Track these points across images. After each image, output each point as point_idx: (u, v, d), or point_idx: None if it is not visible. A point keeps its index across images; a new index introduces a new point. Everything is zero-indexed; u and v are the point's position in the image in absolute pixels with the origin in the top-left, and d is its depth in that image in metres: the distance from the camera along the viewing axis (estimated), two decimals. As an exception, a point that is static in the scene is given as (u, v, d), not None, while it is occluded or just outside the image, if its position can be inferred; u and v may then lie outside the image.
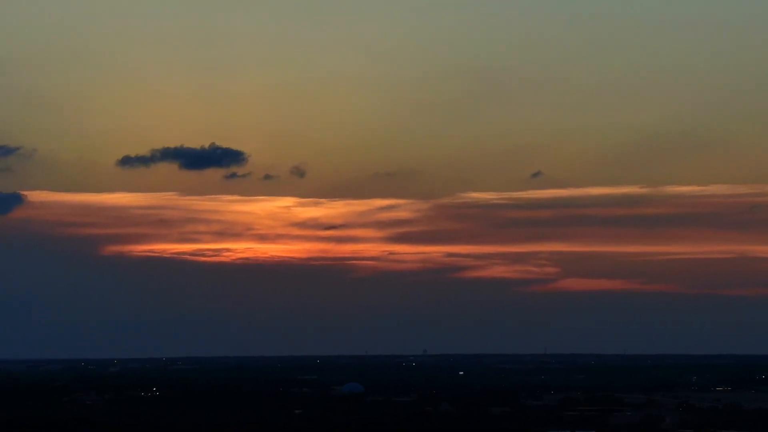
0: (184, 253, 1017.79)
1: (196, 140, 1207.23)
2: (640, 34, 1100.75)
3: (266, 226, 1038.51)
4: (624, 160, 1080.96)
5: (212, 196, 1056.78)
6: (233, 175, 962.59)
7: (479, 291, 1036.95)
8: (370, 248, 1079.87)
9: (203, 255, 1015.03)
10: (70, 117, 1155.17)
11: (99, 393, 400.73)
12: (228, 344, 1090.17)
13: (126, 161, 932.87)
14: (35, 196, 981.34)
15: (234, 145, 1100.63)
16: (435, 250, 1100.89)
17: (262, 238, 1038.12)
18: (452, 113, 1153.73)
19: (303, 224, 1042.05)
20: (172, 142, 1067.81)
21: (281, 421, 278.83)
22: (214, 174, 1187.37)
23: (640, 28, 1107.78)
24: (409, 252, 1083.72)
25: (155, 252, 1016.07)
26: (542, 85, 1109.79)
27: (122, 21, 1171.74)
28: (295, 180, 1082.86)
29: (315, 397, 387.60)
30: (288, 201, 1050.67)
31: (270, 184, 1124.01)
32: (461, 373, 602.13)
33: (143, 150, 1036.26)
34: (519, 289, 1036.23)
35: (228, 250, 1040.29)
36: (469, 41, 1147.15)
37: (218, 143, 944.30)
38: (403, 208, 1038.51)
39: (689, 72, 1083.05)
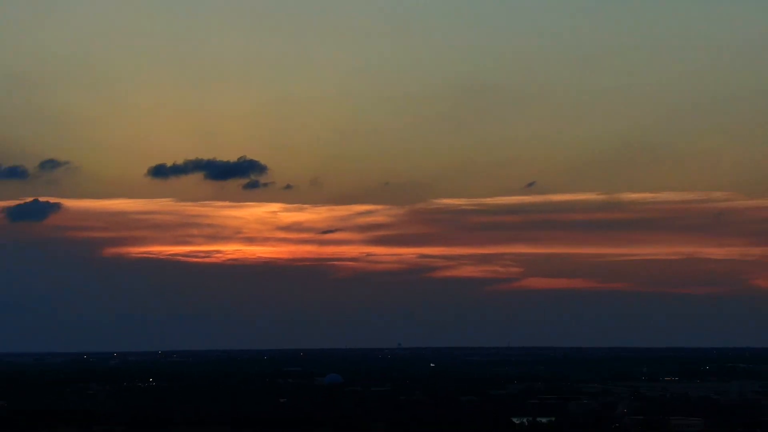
0: (178, 254, 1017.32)
1: (226, 154, 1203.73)
2: (595, 62, 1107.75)
3: (254, 230, 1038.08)
4: (583, 170, 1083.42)
5: (205, 202, 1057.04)
6: (253, 185, 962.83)
7: (450, 289, 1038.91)
8: (350, 250, 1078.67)
9: (196, 256, 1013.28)
10: (110, 132, 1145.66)
11: (100, 384, 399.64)
12: (219, 338, 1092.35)
13: (155, 172, 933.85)
14: (70, 203, 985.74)
15: (258, 158, 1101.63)
16: (409, 252, 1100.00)
17: (250, 240, 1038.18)
18: (438, 129, 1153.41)
19: (288, 227, 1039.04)
20: (204, 155, 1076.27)
21: (268, 409, 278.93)
22: (214, 183, 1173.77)
23: (594, 57, 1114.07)
24: (385, 254, 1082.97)
25: (152, 254, 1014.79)
26: (514, 104, 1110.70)
27: (155, 45, 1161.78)
28: (308, 189, 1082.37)
29: (298, 387, 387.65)
30: (274, 207, 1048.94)
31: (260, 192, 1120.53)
32: (432, 365, 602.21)
33: (172, 160, 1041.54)
34: (486, 288, 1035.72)
35: (218, 251, 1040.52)
36: (452, 65, 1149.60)
37: (243, 156, 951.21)
38: (379, 213, 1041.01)
39: (642, 91, 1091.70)
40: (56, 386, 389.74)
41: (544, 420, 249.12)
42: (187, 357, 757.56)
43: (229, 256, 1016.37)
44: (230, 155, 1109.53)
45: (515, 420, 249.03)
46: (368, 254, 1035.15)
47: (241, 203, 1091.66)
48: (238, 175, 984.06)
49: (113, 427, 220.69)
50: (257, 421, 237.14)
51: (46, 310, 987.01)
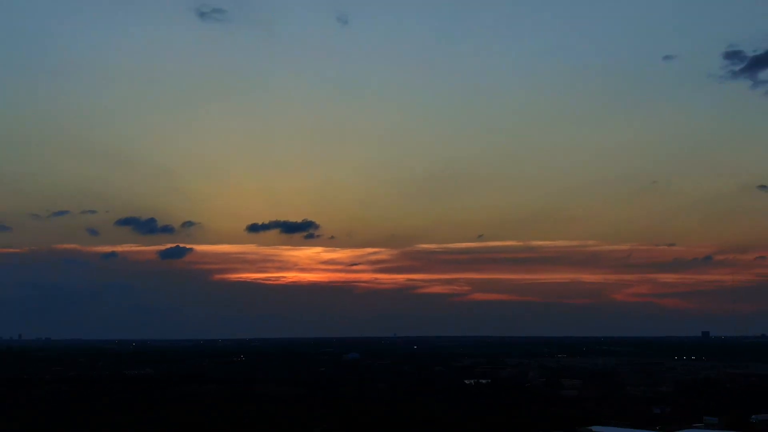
0: (259, 279, 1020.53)
1: (294, 216, 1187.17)
2: (516, 161, 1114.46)
3: (306, 264, 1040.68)
4: (510, 227, 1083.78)
5: (276, 247, 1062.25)
6: (310, 236, 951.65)
7: (426, 300, 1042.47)
8: (365, 276, 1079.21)
9: (269, 280, 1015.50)
10: (223, 204, 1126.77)
11: (210, 359, 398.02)
12: (283, 330, 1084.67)
13: (250, 228, 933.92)
14: (198, 247, 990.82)
15: (314, 219, 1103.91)
16: (401, 277, 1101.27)
17: (303, 270, 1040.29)
18: (420, 201, 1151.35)
19: (326, 262, 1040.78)
20: (280, 217, 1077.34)
21: (313, 374, 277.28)
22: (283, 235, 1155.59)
23: (515, 157, 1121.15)
24: (386, 278, 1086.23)
25: (242, 278, 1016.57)
26: (468, 185, 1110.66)
27: (251, 150, 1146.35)
28: (344, 239, 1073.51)
29: (332, 361, 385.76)
30: (318, 249, 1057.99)
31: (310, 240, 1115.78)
32: (415, 347, 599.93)
33: (261, 221, 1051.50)
34: (449, 299, 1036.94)
35: (284, 277, 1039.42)
36: (429, 161, 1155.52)
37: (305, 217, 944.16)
38: (383, 253, 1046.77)
39: (543, 179, 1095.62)
40: (182, 360, 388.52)
41: (484, 381, 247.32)
42: (264, 342, 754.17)
43: (291, 280, 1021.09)
44: (297, 217, 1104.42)
45: (466, 381, 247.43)
46: (376, 279, 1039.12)
47: (299, 247, 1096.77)
48: (301, 230, 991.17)
49: (218, 384, 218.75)
50: (306, 381, 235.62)
51: (179, 312, 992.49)
